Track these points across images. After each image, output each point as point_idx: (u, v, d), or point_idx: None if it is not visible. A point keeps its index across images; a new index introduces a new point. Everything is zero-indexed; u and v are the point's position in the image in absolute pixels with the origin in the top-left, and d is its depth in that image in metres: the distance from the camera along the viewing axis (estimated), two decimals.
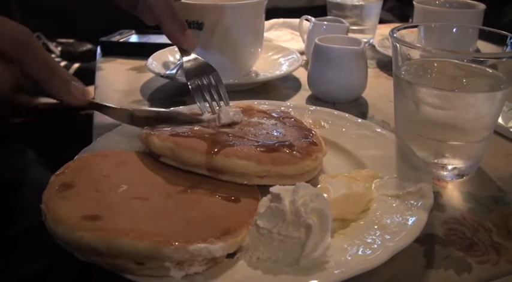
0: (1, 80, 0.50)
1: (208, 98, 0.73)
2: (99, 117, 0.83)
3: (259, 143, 0.58)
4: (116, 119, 0.70)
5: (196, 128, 0.62)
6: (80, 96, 0.61)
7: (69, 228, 0.43)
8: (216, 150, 0.55)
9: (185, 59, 0.77)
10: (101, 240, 0.42)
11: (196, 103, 0.73)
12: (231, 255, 0.47)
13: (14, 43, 0.51)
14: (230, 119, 0.65)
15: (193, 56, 0.78)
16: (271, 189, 0.49)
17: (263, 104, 0.79)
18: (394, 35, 0.66)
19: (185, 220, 0.47)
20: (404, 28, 0.69)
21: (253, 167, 0.54)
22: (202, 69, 0.76)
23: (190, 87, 0.74)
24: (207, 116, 0.69)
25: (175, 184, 0.54)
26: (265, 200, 0.50)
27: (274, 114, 0.70)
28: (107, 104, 0.69)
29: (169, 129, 0.62)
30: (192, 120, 0.68)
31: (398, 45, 0.66)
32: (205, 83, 0.74)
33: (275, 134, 0.63)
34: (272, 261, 0.47)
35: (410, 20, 1.23)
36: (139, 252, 0.42)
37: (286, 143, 0.59)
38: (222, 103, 0.73)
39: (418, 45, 0.65)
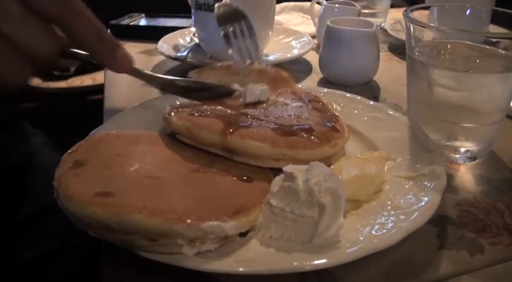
0: (43, 43, 0.47)
1: (239, 44, 0.75)
2: (109, 102, 0.83)
3: (277, 126, 0.58)
4: (155, 86, 0.69)
5: (218, 107, 0.62)
6: (125, 63, 0.59)
7: (82, 204, 0.43)
8: (231, 130, 0.55)
9: (217, 4, 0.78)
10: (113, 217, 0.42)
11: None
12: (243, 234, 0.47)
13: (53, 2, 0.47)
14: (256, 98, 0.65)
15: (224, 1, 0.78)
16: (284, 168, 0.49)
17: None
18: (408, 15, 0.65)
19: (198, 198, 0.46)
20: (418, 9, 0.69)
21: (268, 149, 0.54)
22: (233, 15, 0.77)
23: (221, 33, 0.75)
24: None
25: (188, 163, 0.54)
26: (278, 179, 0.50)
27: (302, 97, 0.69)
28: (148, 72, 0.68)
29: (190, 108, 0.62)
30: (225, 91, 0.67)
31: (412, 26, 0.65)
32: (236, 28, 0.75)
33: (297, 117, 0.62)
34: (285, 240, 0.46)
35: None
36: (152, 228, 0.42)
37: (306, 127, 0.59)
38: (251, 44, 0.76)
39: (432, 25, 0.64)
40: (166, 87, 0.68)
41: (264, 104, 0.65)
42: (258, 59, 0.76)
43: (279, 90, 0.70)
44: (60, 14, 0.48)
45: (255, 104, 0.65)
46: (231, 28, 0.76)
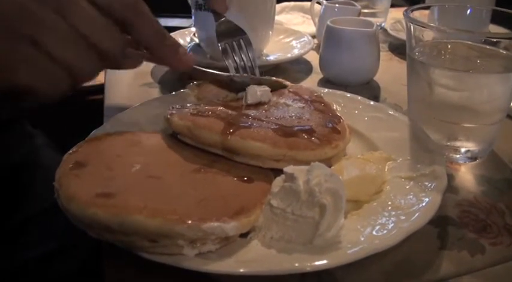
0: (114, 42, 0.50)
1: (236, 59, 0.77)
2: (109, 102, 0.83)
3: (278, 127, 0.58)
4: (217, 84, 0.72)
5: (219, 108, 0.62)
6: (186, 62, 0.62)
7: (82, 205, 0.43)
8: (231, 130, 0.55)
9: (217, 21, 0.81)
10: (114, 217, 0.42)
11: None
12: (244, 235, 0.47)
13: (122, 5, 0.51)
14: (257, 99, 0.65)
15: (225, 19, 0.80)
16: (285, 169, 0.49)
17: None
18: (409, 15, 0.65)
19: (198, 199, 0.46)
20: (418, 9, 0.69)
21: (268, 149, 0.54)
22: (233, 32, 0.79)
23: (220, 48, 0.78)
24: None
25: (189, 163, 0.54)
26: (278, 180, 0.49)
27: (305, 97, 0.69)
28: (207, 70, 0.72)
29: (191, 108, 0.62)
30: (279, 85, 0.73)
31: (412, 26, 0.65)
32: (234, 44, 0.77)
33: (299, 118, 0.62)
34: (285, 241, 0.46)
35: None
36: (153, 229, 0.42)
37: (306, 128, 0.58)
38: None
39: (432, 25, 0.64)
40: (225, 84, 0.72)
41: (266, 105, 0.65)
42: (256, 73, 0.78)
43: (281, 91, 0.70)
44: (129, 16, 0.52)
45: (257, 105, 0.65)
46: (230, 43, 0.77)
